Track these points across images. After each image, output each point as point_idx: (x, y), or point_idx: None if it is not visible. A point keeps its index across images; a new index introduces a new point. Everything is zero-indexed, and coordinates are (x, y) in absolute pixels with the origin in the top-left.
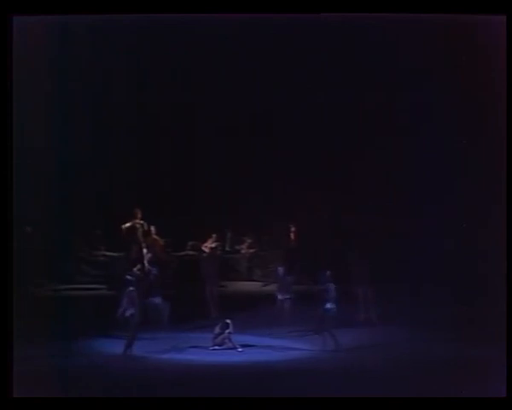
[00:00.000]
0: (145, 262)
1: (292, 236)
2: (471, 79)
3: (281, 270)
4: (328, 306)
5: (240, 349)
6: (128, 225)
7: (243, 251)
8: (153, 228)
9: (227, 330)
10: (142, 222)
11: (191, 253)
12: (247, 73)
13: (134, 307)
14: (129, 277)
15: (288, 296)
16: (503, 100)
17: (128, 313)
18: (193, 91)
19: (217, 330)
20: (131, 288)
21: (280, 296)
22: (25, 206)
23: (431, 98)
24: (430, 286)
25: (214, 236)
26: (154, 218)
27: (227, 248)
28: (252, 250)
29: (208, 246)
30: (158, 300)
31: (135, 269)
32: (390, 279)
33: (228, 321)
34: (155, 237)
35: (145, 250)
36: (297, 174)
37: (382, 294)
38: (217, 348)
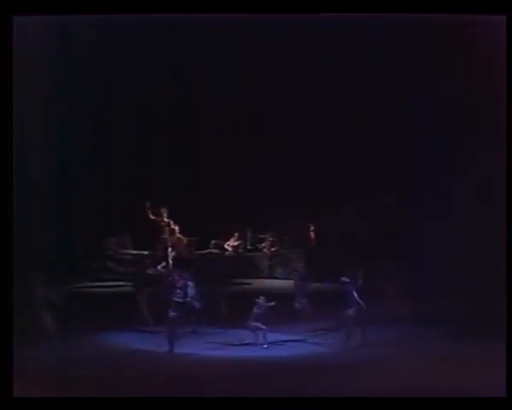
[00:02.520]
0: (169, 260)
1: (311, 235)
2: (471, 79)
3: (297, 275)
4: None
5: (265, 346)
6: (155, 224)
7: (265, 250)
8: (177, 227)
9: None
10: (168, 221)
11: (214, 251)
12: (247, 73)
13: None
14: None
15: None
16: (503, 100)
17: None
18: (193, 91)
19: (255, 309)
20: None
21: (298, 305)
22: (24, 205)
23: (431, 98)
24: (430, 285)
25: (236, 234)
26: (179, 216)
27: (248, 247)
28: (273, 249)
29: (231, 244)
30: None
31: (159, 267)
32: (390, 278)
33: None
34: (179, 235)
35: (170, 249)
36: (311, 174)
37: (383, 293)
38: (251, 329)
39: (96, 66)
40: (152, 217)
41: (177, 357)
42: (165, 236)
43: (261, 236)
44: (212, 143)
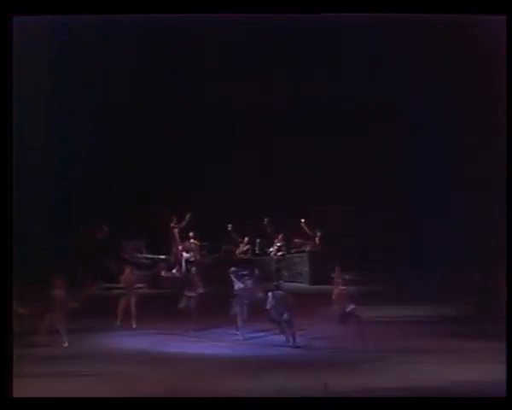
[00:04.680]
0: (183, 264)
1: (316, 240)
2: (471, 79)
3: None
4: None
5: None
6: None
7: (272, 254)
8: (191, 233)
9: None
10: (177, 227)
11: (224, 256)
12: (247, 73)
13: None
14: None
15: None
16: (503, 100)
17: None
18: (193, 91)
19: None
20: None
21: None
22: (25, 206)
23: (431, 98)
24: (430, 285)
25: (246, 239)
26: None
27: (257, 251)
28: (280, 253)
29: (240, 249)
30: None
31: (174, 271)
32: (392, 279)
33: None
34: (193, 241)
35: (184, 253)
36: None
37: (384, 294)
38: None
39: (96, 66)
40: (166, 223)
41: (180, 356)
42: (179, 241)
43: (273, 233)
44: (213, 145)
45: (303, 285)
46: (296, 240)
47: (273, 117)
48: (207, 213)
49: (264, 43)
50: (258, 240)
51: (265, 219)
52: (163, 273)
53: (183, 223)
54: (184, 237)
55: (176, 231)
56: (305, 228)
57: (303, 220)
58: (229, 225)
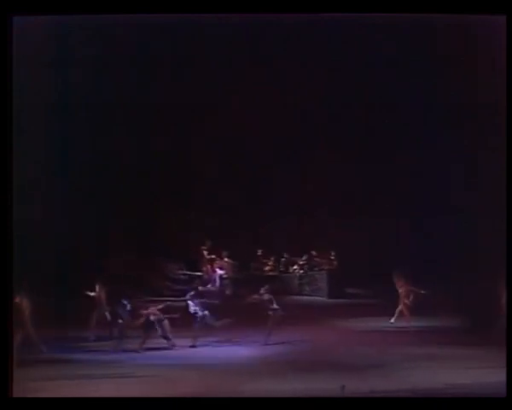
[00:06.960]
0: (217, 279)
1: (333, 259)
2: (471, 79)
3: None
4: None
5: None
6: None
7: (295, 271)
8: (225, 253)
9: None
10: (208, 256)
11: (254, 273)
12: (247, 73)
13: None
14: None
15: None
16: (503, 100)
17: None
18: (193, 91)
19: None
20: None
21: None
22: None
23: (431, 98)
24: (431, 286)
25: (272, 258)
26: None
27: (282, 269)
28: (302, 271)
29: (267, 267)
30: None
31: (209, 285)
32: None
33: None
34: (227, 259)
35: (218, 270)
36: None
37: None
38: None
39: (95, 66)
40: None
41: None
42: (207, 261)
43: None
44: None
45: (322, 299)
46: (316, 259)
47: (275, 127)
48: (237, 231)
49: (266, 44)
50: (283, 259)
51: (259, 251)
52: (200, 288)
53: (212, 256)
54: (219, 256)
55: (206, 254)
56: (318, 257)
57: (314, 253)
58: (260, 251)
